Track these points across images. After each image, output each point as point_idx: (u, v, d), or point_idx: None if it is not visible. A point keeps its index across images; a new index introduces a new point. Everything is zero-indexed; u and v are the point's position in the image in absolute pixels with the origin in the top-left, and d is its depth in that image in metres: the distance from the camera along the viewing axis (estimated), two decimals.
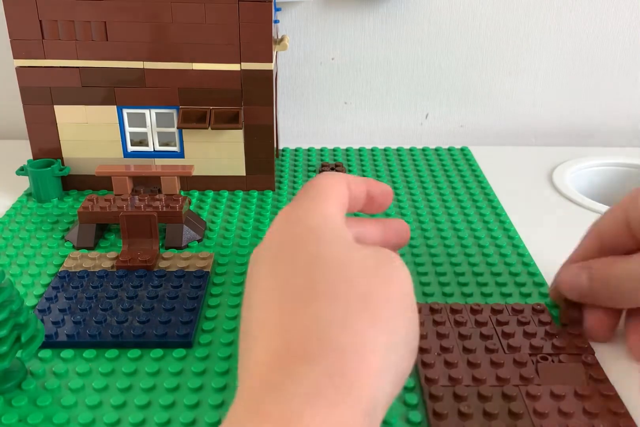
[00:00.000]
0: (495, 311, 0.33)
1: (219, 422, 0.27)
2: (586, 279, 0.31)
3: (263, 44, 0.43)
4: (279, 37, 0.51)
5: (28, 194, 0.47)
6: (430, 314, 0.33)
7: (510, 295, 0.36)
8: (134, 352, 0.31)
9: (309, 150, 0.57)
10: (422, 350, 0.30)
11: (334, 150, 0.57)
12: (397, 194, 0.48)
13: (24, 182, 0.48)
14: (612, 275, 0.30)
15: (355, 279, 0.21)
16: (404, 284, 0.23)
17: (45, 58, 0.43)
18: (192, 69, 0.44)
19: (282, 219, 0.25)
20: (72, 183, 0.48)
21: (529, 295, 0.35)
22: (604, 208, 0.46)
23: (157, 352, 0.31)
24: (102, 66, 0.44)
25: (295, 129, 0.63)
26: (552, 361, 0.30)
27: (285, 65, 0.60)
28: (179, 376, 0.30)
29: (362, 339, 0.20)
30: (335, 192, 0.25)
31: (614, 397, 0.27)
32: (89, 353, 0.31)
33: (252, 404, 0.18)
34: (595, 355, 0.30)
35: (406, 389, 0.29)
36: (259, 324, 0.21)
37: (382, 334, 0.20)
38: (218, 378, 0.29)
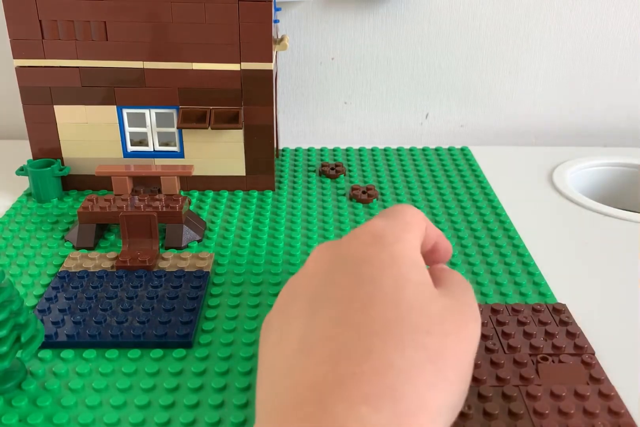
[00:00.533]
0: (494, 311, 0.33)
1: (219, 422, 0.27)
2: None
3: (263, 43, 0.43)
4: (279, 37, 0.51)
5: (28, 194, 0.47)
6: None
7: (509, 295, 0.36)
8: (134, 353, 0.31)
9: (308, 150, 0.57)
10: None
11: (334, 150, 0.57)
12: (397, 194, 0.48)
13: (24, 182, 0.48)
14: None
15: (432, 333, 0.21)
16: (473, 341, 0.23)
17: (45, 58, 0.43)
18: (192, 69, 0.44)
19: (368, 238, 0.24)
20: (71, 183, 0.48)
21: (528, 295, 0.35)
22: (603, 208, 0.46)
23: (157, 353, 0.31)
24: (102, 66, 0.44)
25: (295, 129, 0.63)
26: (552, 361, 0.30)
27: (285, 65, 0.60)
28: (179, 376, 0.30)
29: (428, 396, 0.20)
30: (420, 227, 0.26)
31: (614, 397, 0.27)
32: (88, 353, 0.31)
33: None
34: (595, 355, 0.30)
35: None
36: (314, 350, 0.21)
37: (441, 396, 0.20)
38: (218, 378, 0.29)
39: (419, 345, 0.21)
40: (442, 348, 0.21)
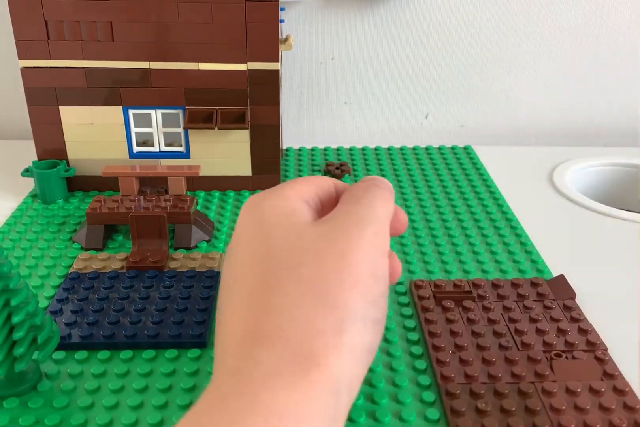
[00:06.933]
0: (506, 309, 0.34)
1: None
2: None
3: (269, 43, 0.43)
4: (284, 36, 0.51)
5: (33, 196, 0.47)
6: (443, 313, 0.33)
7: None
8: (149, 353, 0.31)
9: (312, 150, 0.57)
10: (436, 348, 0.31)
11: (338, 149, 0.57)
12: (402, 193, 0.49)
13: (29, 184, 0.48)
14: None
15: (305, 266, 0.21)
16: (361, 254, 0.22)
17: (50, 59, 0.43)
18: (198, 69, 0.44)
19: (243, 211, 0.25)
20: (77, 184, 0.47)
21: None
22: (603, 208, 0.46)
23: (172, 353, 0.31)
24: (108, 66, 0.43)
25: (295, 128, 0.63)
26: (566, 358, 0.30)
27: (286, 65, 0.60)
28: (195, 376, 0.29)
29: (313, 324, 0.20)
30: (306, 181, 0.25)
31: (629, 393, 0.28)
32: (103, 354, 0.31)
33: (215, 390, 0.19)
34: (608, 351, 0.31)
35: (423, 387, 0.29)
36: (226, 312, 0.22)
37: (331, 316, 0.20)
38: None
39: (294, 279, 0.21)
40: (319, 274, 0.21)
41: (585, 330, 0.32)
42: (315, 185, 0.25)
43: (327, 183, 0.26)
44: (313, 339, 0.20)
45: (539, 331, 0.32)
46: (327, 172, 0.52)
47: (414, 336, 0.32)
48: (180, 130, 0.46)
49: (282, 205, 0.24)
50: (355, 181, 0.50)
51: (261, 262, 0.22)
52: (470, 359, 0.30)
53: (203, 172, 0.46)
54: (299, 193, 0.25)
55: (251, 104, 0.45)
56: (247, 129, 0.45)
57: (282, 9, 0.51)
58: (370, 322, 0.21)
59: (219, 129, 0.44)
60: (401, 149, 0.57)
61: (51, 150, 0.46)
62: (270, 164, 0.47)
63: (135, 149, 0.46)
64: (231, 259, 0.24)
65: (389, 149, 0.57)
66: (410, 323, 0.33)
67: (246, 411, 0.18)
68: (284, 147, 0.58)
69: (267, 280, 0.22)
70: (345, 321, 0.21)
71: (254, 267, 0.22)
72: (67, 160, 0.46)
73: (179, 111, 0.45)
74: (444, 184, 0.50)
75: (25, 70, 0.43)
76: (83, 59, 0.43)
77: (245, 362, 0.20)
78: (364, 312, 0.21)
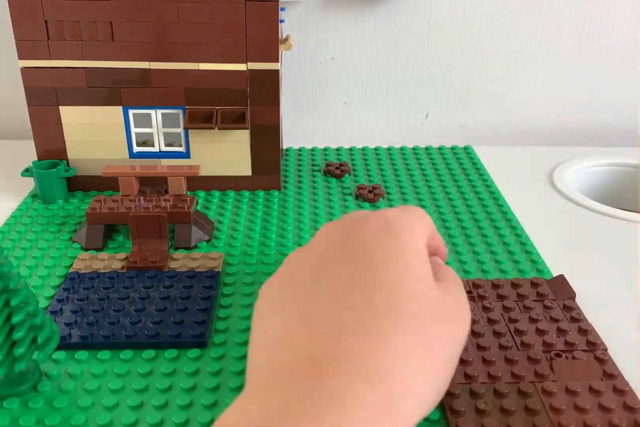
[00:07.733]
0: (506, 309, 0.34)
1: None
2: None
3: (269, 43, 0.43)
4: (284, 36, 0.51)
5: (33, 196, 0.47)
6: None
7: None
8: (149, 353, 0.31)
9: (312, 150, 0.57)
10: None
11: (338, 150, 0.57)
12: (402, 193, 0.49)
13: (29, 184, 0.48)
14: None
15: (428, 322, 0.22)
16: (462, 337, 0.24)
17: (50, 59, 0.43)
18: (198, 69, 0.44)
19: (382, 221, 0.25)
20: (77, 184, 0.47)
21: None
22: (603, 208, 0.46)
23: (172, 353, 0.31)
24: (108, 66, 0.43)
25: (295, 129, 0.63)
26: (566, 358, 0.30)
27: (285, 65, 0.60)
28: (195, 376, 0.30)
29: (414, 382, 0.20)
30: (428, 223, 0.27)
31: (629, 393, 0.28)
32: (103, 354, 0.31)
33: (310, 413, 0.18)
34: (608, 351, 0.31)
35: None
36: (306, 322, 0.21)
37: (429, 382, 0.21)
38: (234, 378, 0.29)
39: (414, 331, 0.21)
40: (435, 338, 0.22)
41: (585, 330, 0.32)
42: (430, 230, 0.26)
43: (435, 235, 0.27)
44: (411, 394, 0.20)
45: (539, 331, 0.32)
46: (327, 172, 0.52)
47: None
48: (180, 130, 0.46)
49: (419, 247, 0.25)
50: (356, 181, 0.50)
51: (388, 300, 0.22)
52: (470, 359, 0.30)
53: (203, 172, 0.46)
54: (424, 239, 0.26)
55: (251, 104, 0.45)
56: (247, 129, 0.45)
57: (282, 9, 0.51)
58: (442, 392, 0.22)
59: (219, 129, 0.44)
60: (401, 149, 0.58)
61: (51, 150, 0.46)
62: (270, 164, 0.47)
63: (135, 149, 0.46)
64: (341, 246, 0.24)
65: (389, 149, 0.58)
66: None
67: None
68: (284, 147, 0.58)
69: (388, 319, 0.21)
70: (437, 389, 0.21)
71: (375, 299, 0.22)
72: (67, 160, 0.46)
73: (179, 111, 0.45)
74: (444, 184, 0.50)
75: (25, 70, 0.43)
76: (83, 59, 0.43)
77: (344, 394, 0.19)
78: (445, 384, 0.22)
